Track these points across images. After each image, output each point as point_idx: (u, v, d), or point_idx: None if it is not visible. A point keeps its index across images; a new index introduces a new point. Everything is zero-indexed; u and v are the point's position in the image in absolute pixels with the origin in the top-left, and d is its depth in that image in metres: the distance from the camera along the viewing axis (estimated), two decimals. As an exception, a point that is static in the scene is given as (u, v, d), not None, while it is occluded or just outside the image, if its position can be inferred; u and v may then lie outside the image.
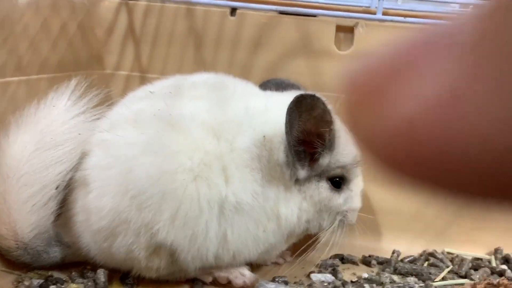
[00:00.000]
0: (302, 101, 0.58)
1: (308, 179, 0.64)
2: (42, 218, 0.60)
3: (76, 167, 0.63)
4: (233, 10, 0.86)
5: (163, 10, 0.87)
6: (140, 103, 0.65)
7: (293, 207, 0.63)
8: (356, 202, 0.68)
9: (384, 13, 0.85)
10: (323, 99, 0.59)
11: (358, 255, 0.82)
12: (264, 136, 0.61)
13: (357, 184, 0.68)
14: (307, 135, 0.61)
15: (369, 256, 0.82)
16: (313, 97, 0.58)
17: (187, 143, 0.59)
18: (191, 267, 0.62)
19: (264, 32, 0.86)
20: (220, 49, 0.87)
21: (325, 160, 0.63)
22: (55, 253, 0.66)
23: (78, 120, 0.64)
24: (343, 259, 0.80)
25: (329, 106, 0.60)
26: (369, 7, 0.91)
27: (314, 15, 0.85)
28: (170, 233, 0.58)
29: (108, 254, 0.62)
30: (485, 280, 0.54)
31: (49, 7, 0.73)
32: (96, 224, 0.60)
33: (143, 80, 0.87)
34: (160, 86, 0.68)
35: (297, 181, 0.63)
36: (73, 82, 0.66)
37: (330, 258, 0.79)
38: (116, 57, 0.88)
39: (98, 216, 0.60)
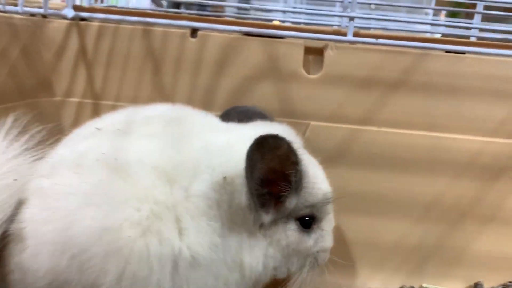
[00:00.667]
0: (264, 142, 0.52)
1: (274, 222, 0.58)
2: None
3: (12, 217, 0.55)
4: (194, 31, 0.80)
5: (118, 31, 0.80)
6: (84, 143, 0.58)
7: (258, 254, 0.57)
8: (327, 241, 0.63)
9: (355, 34, 0.79)
10: (287, 138, 0.53)
11: (331, 294, 0.76)
12: (224, 178, 0.55)
13: (329, 222, 0.63)
14: (271, 175, 0.56)
15: (343, 295, 0.76)
16: (275, 137, 0.53)
17: (134, 193, 0.52)
18: None
19: (228, 55, 0.80)
20: (180, 73, 0.80)
21: (291, 202, 0.57)
22: None
23: (14, 164, 0.56)
24: (315, 299, 0.75)
25: (295, 145, 0.54)
26: (339, 25, 0.86)
27: (281, 37, 0.80)
28: None
29: None
30: None
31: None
32: (33, 285, 0.53)
33: (96, 107, 0.80)
34: (109, 121, 0.61)
35: (262, 225, 0.57)
36: (10, 118, 0.59)
37: (301, 299, 0.73)
38: (67, 83, 0.80)
39: (34, 276, 0.52)
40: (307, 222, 0.60)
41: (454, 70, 0.79)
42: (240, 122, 0.67)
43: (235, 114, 0.70)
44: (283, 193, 0.57)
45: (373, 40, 0.79)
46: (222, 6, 1.54)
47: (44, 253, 0.51)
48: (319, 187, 0.60)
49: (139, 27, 0.80)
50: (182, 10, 1.28)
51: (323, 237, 0.62)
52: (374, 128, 0.79)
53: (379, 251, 0.81)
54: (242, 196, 0.55)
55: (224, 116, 0.70)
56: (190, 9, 1.46)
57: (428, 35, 1.23)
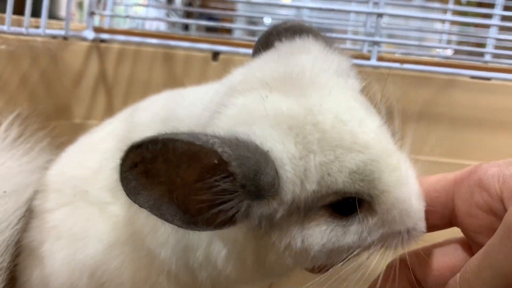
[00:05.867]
0: (143, 148, 0.32)
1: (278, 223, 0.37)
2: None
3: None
4: (216, 55, 0.79)
5: (138, 53, 0.79)
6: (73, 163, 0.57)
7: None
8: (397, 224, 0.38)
9: (379, 59, 0.78)
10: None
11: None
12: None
13: (390, 197, 0.37)
14: (198, 201, 0.35)
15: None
16: (150, 143, 0.32)
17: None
18: None
19: (250, 79, 0.79)
20: (202, 98, 0.79)
21: (264, 208, 0.36)
22: None
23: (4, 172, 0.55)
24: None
25: (203, 139, 0.33)
26: (361, 50, 0.85)
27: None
28: None
29: None
30: None
31: (6, 58, 0.64)
32: None
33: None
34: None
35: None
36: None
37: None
38: (86, 106, 0.79)
39: None
40: (347, 205, 0.38)
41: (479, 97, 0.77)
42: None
43: (282, 33, 0.46)
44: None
45: (397, 65, 0.78)
46: (231, 19, 1.53)
47: (63, 274, 0.52)
48: (331, 166, 0.35)
49: (160, 50, 0.79)
50: (192, 21, 1.26)
51: (387, 224, 0.38)
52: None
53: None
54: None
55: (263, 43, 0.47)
56: (201, 19, 1.46)
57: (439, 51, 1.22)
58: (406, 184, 0.38)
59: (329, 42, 0.45)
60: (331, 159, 0.35)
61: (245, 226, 0.38)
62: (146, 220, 0.47)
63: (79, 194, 0.53)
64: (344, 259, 0.39)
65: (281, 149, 0.35)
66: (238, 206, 0.35)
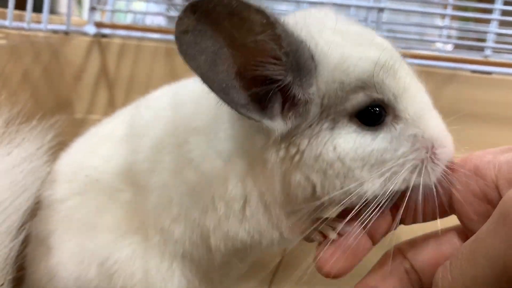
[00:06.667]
0: (198, 10, 0.34)
1: (305, 131, 0.40)
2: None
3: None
4: (218, 50, 0.79)
5: (140, 49, 0.79)
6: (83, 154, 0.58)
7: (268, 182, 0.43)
8: (429, 129, 0.41)
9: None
10: None
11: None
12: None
13: (411, 100, 0.41)
14: (245, 61, 0.38)
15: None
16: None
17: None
18: None
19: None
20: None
21: (306, 91, 0.39)
22: None
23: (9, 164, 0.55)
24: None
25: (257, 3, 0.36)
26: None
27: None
28: None
29: None
30: None
31: (7, 53, 0.64)
32: None
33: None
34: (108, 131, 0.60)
35: (277, 145, 0.41)
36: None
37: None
38: (88, 101, 0.79)
39: (64, 283, 0.53)
40: (373, 114, 0.40)
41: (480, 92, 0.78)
42: None
43: None
44: (278, 80, 0.38)
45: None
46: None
47: (71, 264, 0.52)
48: (358, 55, 0.39)
49: (162, 45, 0.79)
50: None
51: (413, 125, 0.40)
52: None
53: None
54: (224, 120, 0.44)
55: None
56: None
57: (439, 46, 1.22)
58: (426, 96, 0.43)
59: None
60: (356, 53, 0.39)
61: (275, 147, 0.41)
62: (159, 198, 0.48)
63: (90, 184, 0.54)
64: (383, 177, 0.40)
65: (314, 39, 0.39)
66: (282, 74, 0.38)
